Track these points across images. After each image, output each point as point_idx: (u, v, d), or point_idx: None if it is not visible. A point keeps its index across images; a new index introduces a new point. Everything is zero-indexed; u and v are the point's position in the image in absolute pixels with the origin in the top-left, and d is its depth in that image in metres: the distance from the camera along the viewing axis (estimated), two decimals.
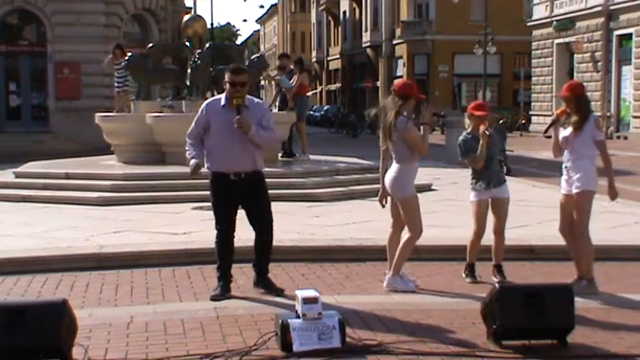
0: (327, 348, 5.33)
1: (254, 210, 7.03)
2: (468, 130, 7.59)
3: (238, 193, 6.91)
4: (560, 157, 7.38)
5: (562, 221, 7.34)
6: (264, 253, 7.16)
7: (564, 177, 7.28)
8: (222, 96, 6.98)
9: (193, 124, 6.99)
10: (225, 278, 7.03)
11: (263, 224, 7.06)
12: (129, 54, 17.65)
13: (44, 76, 30.79)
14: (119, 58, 17.54)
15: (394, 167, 7.23)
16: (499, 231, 7.61)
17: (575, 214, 7.21)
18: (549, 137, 7.42)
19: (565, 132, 7.16)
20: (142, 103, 16.31)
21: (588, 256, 7.24)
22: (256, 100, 7.16)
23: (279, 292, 6.96)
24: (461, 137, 7.63)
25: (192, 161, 6.87)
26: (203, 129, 6.91)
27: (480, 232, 7.59)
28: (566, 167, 7.22)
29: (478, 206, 7.55)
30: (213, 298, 6.85)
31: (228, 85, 6.83)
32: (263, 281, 7.04)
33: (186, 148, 6.98)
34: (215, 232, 7.13)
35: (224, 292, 6.93)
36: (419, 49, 52.83)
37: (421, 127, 7.18)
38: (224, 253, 7.08)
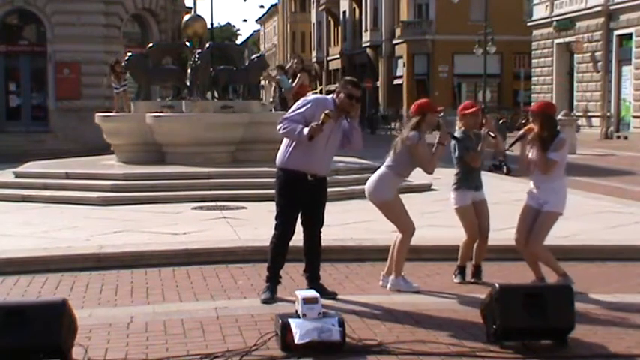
0: (327, 341, 5.33)
1: (315, 210, 6.98)
2: (462, 130, 7.62)
3: (308, 194, 6.85)
4: (527, 176, 7.40)
5: (521, 232, 7.30)
6: (316, 255, 7.08)
7: (531, 190, 7.29)
8: (331, 98, 6.88)
9: (296, 113, 6.73)
10: (274, 280, 6.95)
11: (318, 224, 7.03)
12: (129, 54, 17.70)
13: (44, 76, 30.79)
14: (121, 74, 17.63)
15: (381, 171, 7.27)
16: (485, 231, 7.63)
17: (535, 229, 7.18)
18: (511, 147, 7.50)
19: (534, 152, 7.17)
20: (141, 103, 16.31)
21: (551, 260, 7.27)
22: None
23: (333, 296, 6.90)
24: (456, 135, 7.64)
25: (306, 130, 6.58)
26: (305, 121, 6.68)
27: (473, 237, 7.60)
28: (538, 187, 7.22)
29: (465, 212, 7.53)
30: (265, 302, 6.76)
31: (343, 95, 6.74)
32: (316, 287, 6.72)
33: (285, 126, 6.69)
34: (274, 232, 6.97)
35: (273, 294, 6.86)
36: (419, 49, 52.83)
37: (435, 146, 7.20)
38: (280, 255, 6.97)
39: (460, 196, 7.53)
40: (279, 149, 6.96)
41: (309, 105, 6.79)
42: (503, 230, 9.65)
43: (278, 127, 6.83)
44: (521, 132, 7.38)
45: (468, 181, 7.52)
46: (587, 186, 15.58)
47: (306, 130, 6.60)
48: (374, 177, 7.30)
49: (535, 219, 7.21)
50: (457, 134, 7.58)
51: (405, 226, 7.24)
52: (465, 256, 7.66)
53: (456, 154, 7.55)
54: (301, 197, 6.86)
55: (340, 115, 6.78)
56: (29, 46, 31.85)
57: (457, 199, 7.54)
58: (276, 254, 6.97)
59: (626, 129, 35.20)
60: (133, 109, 16.43)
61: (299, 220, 7.01)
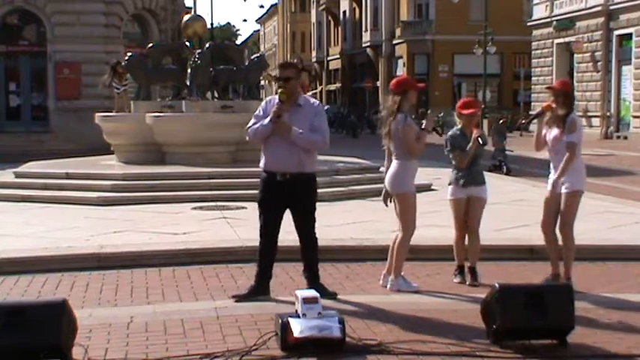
0: (327, 337, 5.33)
1: (297, 213, 6.95)
2: (459, 127, 7.63)
3: (284, 194, 6.82)
4: (541, 152, 7.48)
5: (545, 218, 7.41)
6: (311, 255, 7.04)
7: (552, 175, 7.32)
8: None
9: (254, 117, 6.91)
10: (259, 277, 6.92)
11: (305, 224, 6.97)
12: (129, 54, 17.68)
13: (44, 76, 30.78)
14: (122, 76, 17.61)
15: (394, 164, 7.27)
16: (472, 231, 7.62)
17: (562, 214, 7.25)
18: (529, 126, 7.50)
19: (553, 131, 7.20)
20: (141, 103, 16.31)
21: (572, 256, 7.32)
22: (313, 100, 7.12)
23: (333, 296, 6.90)
24: (450, 132, 7.68)
25: (266, 122, 6.70)
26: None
27: (459, 231, 7.62)
28: (555, 167, 7.26)
29: (455, 205, 7.60)
30: (235, 296, 6.81)
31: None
32: (316, 287, 6.64)
33: (250, 132, 6.84)
34: (259, 229, 7.00)
35: (254, 292, 6.83)
36: (419, 49, 52.83)
37: (421, 131, 7.20)
38: (263, 252, 6.98)
39: (453, 189, 7.62)
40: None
41: (261, 107, 6.93)
42: (503, 230, 9.70)
43: (247, 137, 6.96)
44: (540, 109, 7.39)
45: (462, 174, 7.55)
46: (587, 186, 15.54)
47: (267, 121, 6.70)
48: (391, 171, 7.28)
49: (559, 204, 7.26)
50: (452, 131, 7.63)
51: (409, 225, 7.25)
52: (460, 254, 7.66)
53: (446, 149, 7.60)
54: (275, 196, 6.83)
55: (286, 105, 6.71)
56: (29, 46, 31.82)
57: (450, 191, 7.66)
58: (260, 251, 6.99)
59: (626, 129, 35.21)
60: (133, 109, 16.43)
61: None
